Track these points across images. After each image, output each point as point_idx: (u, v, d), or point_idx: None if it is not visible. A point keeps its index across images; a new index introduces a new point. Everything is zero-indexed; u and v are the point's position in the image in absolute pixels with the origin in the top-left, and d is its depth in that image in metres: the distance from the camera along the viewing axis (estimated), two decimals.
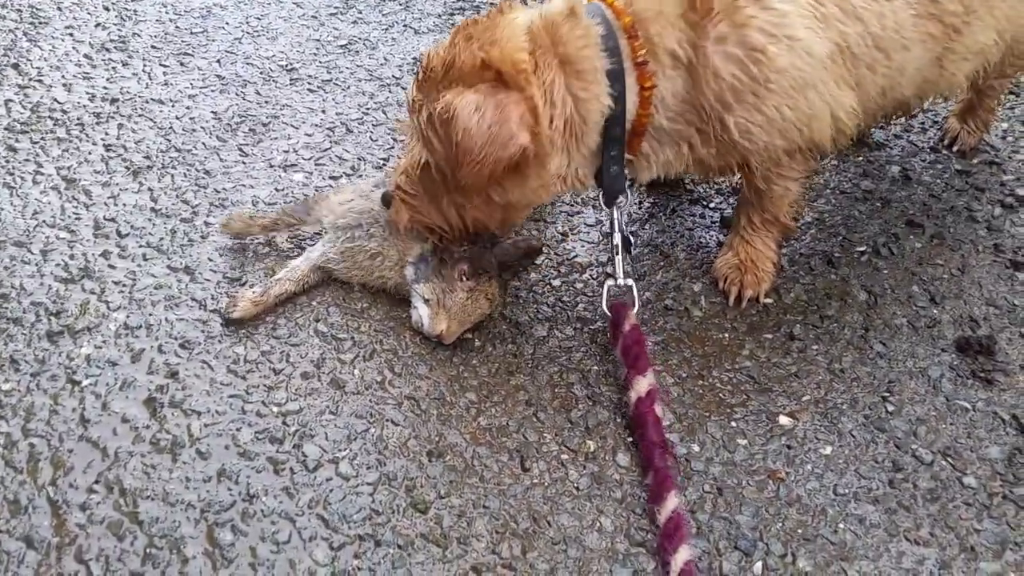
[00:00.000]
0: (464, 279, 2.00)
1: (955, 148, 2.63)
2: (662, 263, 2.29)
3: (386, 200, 2.01)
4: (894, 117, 2.33)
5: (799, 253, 2.31)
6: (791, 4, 1.79)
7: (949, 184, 2.51)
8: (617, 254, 2.01)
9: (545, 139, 1.77)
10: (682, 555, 1.62)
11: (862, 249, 2.33)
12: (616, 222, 2.00)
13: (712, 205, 2.44)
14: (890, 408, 1.95)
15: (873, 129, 2.55)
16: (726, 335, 2.11)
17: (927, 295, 2.21)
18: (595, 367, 2.03)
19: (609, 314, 2.03)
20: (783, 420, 1.93)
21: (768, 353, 2.07)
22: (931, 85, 2.09)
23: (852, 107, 1.92)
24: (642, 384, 1.87)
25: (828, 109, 1.89)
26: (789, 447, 1.87)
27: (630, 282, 2.03)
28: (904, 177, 2.54)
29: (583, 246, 2.33)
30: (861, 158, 2.59)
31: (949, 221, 2.40)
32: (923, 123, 2.71)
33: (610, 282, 2.04)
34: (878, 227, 2.39)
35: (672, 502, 1.69)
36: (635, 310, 2.01)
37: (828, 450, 1.87)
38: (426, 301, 2.01)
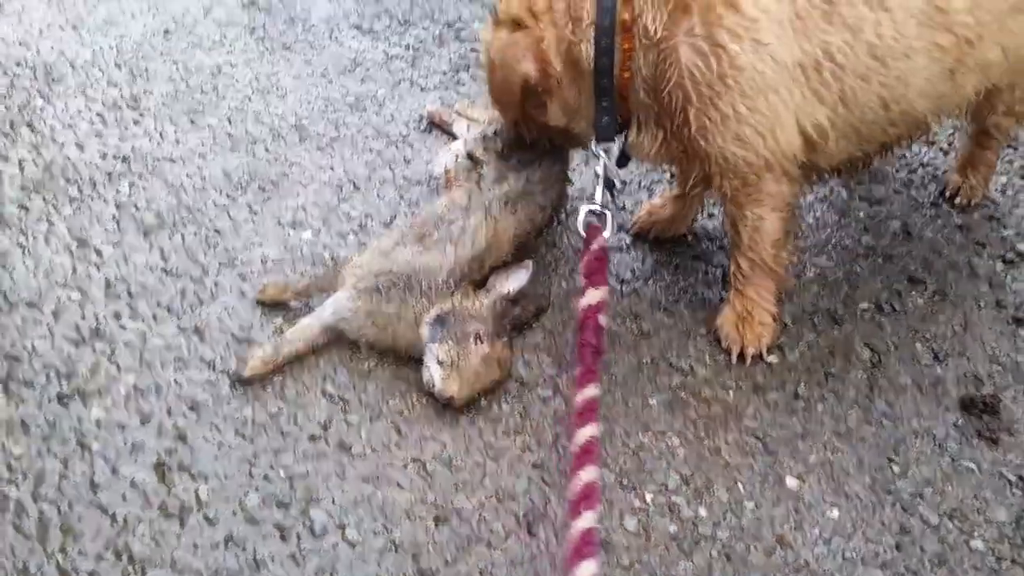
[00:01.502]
0: (479, 343, 2.02)
1: (956, 201, 2.65)
2: (666, 320, 2.31)
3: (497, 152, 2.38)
4: (912, 138, 2.26)
5: (803, 310, 2.33)
6: (764, 12, 1.86)
7: (950, 239, 2.54)
8: (599, 185, 2.18)
9: (553, 71, 2.03)
10: (587, 431, 1.81)
11: (865, 306, 2.34)
12: (604, 162, 2.16)
13: (715, 262, 2.46)
14: (896, 469, 1.96)
15: (893, 154, 2.41)
16: (731, 394, 2.12)
17: (931, 353, 2.22)
18: (600, 428, 2.04)
19: (583, 234, 2.17)
20: (790, 482, 1.93)
21: (774, 413, 2.08)
22: (946, 100, 2.09)
23: (821, 120, 1.96)
24: (594, 295, 2.02)
25: (793, 118, 1.94)
26: (796, 510, 1.87)
27: (606, 210, 2.17)
28: (905, 232, 2.56)
29: None
30: (862, 214, 2.62)
31: (951, 277, 2.42)
32: (923, 178, 2.74)
33: (587, 207, 2.18)
34: (880, 283, 2.41)
35: (591, 391, 1.88)
36: (607, 233, 2.15)
37: (835, 513, 1.87)
38: (440, 363, 2.02)
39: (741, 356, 2.18)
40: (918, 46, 1.94)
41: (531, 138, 2.29)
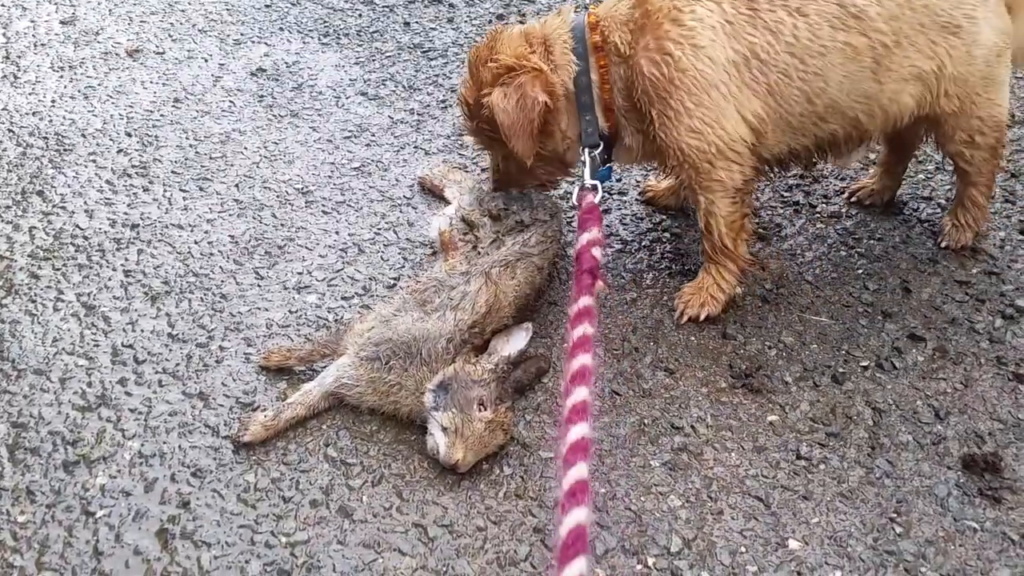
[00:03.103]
0: (483, 409, 2.04)
1: (942, 244, 2.71)
2: (666, 380, 2.32)
3: (497, 187, 2.58)
4: (855, 139, 2.43)
5: (804, 368, 2.34)
6: (699, 21, 2.22)
7: (949, 295, 2.55)
8: (586, 167, 2.39)
9: (557, 95, 2.32)
10: (582, 329, 1.89)
11: (865, 364, 2.35)
12: (589, 160, 2.39)
13: (718, 322, 2.48)
14: (898, 529, 1.95)
15: (842, 153, 2.56)
16: (733, 455, 2.12)
17: (932, 411, 2.22)
18: (601, 490, 2.04)
19: (576, 203, 2.37)
20: (792, 544, 1.93)
21: (776, 473, 2.08)
22: (873, 100, 2.32)
23: (757, 110, 2.26)
24: (584, 236, 2.18)
25: (733, 106, 2.25)
26: (799, 574, 1.86)
27: (596, 182, 2.37)
28: (904, 289, 2.58)
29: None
30: (861, 271, 2.64)
31: (951, 333, 2.43)
32: (921, 234, 2.77)
33: (579, 184, 2.41)
34: (880, 341, 2.42)
35: (584, 300, 1.98)
36: (596, 197, 2.32)
37: None
38: (444, 429, 2.04)
39: (681, 316, 2.48)
40: (830, 45, 2.23)
41: (519, 178, 2.52)
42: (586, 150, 2.40)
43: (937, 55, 2.29)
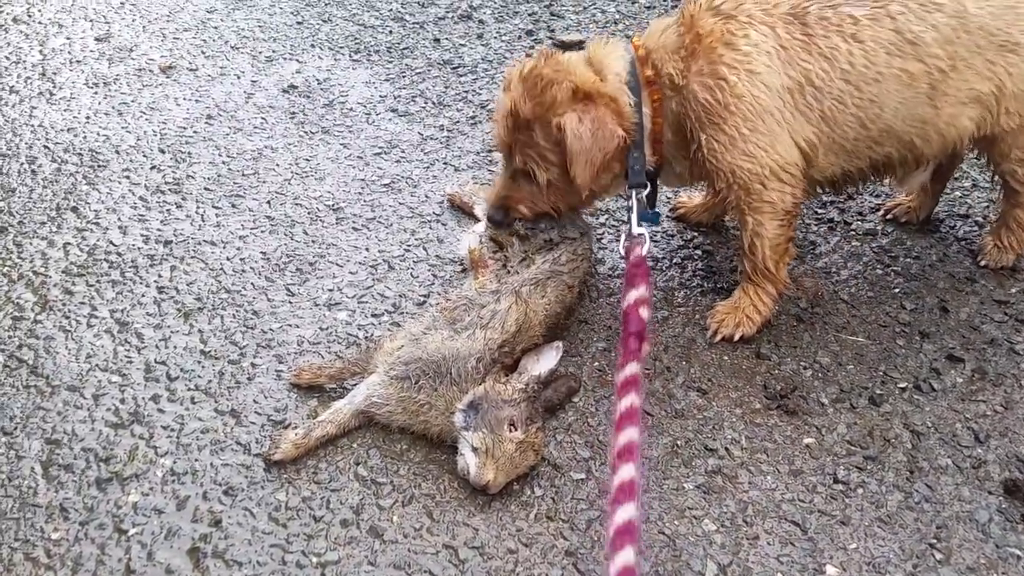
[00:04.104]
0: (513, 429, 2.02)
1: (982, 263, 2.67)
2: (700, 401, 2.29)
3: (493, 219, 2.48)
4: (911, 161, 2.40)
5: (840, 390, 2.30)
6: (754, 47, 2.20)
7: (988, 315, 2.50)
8: (633, 212, 2.37)
9: (629, 129, 2.27)
10: (630, 399, 1.93)
11: (903, 385, 2.31)
12: (635, 198, 2.37)
13: (752, 342, 2.45)
14: (938, 556, 1.91)
15: (896, 175, 2.52)
16: (768, 478, 2.09)
17: (971, 434, 2.18)
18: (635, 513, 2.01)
19: (623, 253, 2.37)
20: (830, 571, 1.89)
21: (812, 497, 2.04)
22: (930, 125, 2.28)
23: (810, 136, 2.25)
24: (632, 295, 2.19)
25: (787, 132, 2.23)
26: None
27: (643, 230, 2.36)
28: (942, 309, 2.53)
29: None
30: (898, 290, 2.60)
31: (990, 354, 2.38)
32: (959, 253, 2.72)
33: (626, 233, 2.40)
34: (918, 361, 2.38)
35: (632, 368, 2.00)
36: (644, 249, 2.32)
37: None
38: (475, 450, 2.02)
39: (714, 334, 2.46)
40: (887, 72, 2.21)
41: (534, 203, 2.45)
42: (633, 191, 2.36)
43: (996, 75, 2.25)
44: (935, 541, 1.94)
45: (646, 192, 2.40)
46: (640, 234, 2.35)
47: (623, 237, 2.40)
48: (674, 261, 2.76)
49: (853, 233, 2.83)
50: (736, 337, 2.44)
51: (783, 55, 2.20)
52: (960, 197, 2.96)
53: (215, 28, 4.24)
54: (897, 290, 2.61)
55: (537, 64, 2.30)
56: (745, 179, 2.27)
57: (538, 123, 2.27)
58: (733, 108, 2.21)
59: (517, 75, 2.31)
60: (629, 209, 2.37)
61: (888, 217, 2.87)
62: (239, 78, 3.81)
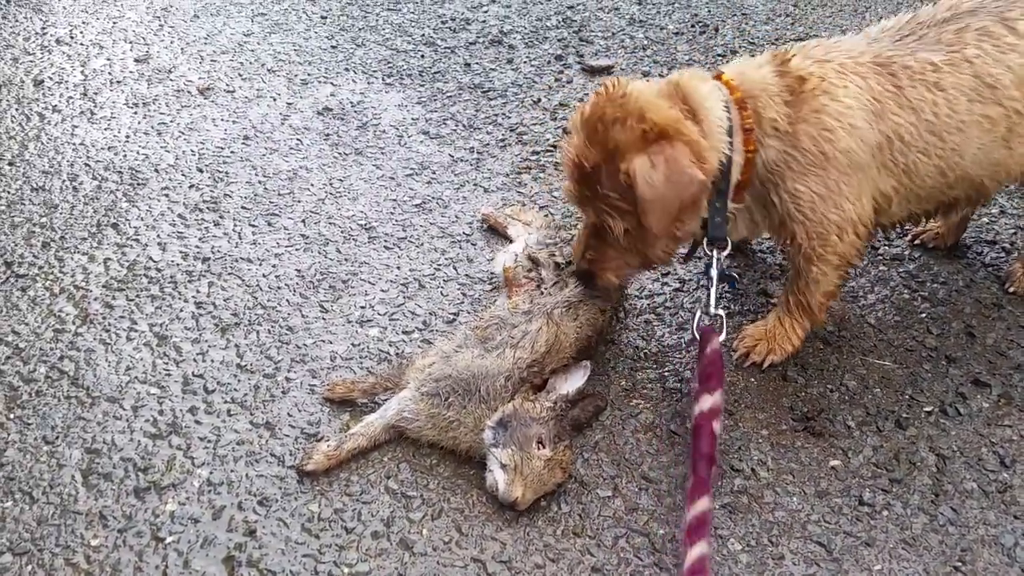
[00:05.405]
0: (542, 447, 2.06)
1: (1010, 289, 2.68)
2: (727, 421, 2.32)
3: (582, 276, 2.32)
4: (972, 203, 2.44)
5: (867, 413, 2.32)
6: (854, 99, 2.14)
7: (1015, 341, 2.51)
8: (711, 287, 2.28)
9: (709, 172, 2.09)
10: (698, 549, 1.82)
11: (929, 409, 2.33)
12: (716, 262, 2.29)
13: (778, 364, 2.47)
14: None
15: (956, 213, 2.58)
16: (795, 499, 2.11)
17: (997, 458, 2.19)
18: (661, 530, 2.04)
19: (698, 337, 2.27)
20: None
21: (838, 518, 2.06)
22: (1002, 166, 2.28)
23: (888, 189, 2.23)
24: (707, 402, 2.08)
25: (871, 189, 2.21)
26: None
27: (720, 312, 2.29)
28: (968, 334, 2.55)
29: (647, 402, 2.38)
30: (924, 314, 2.62)
31: (1016, 379, 2.40)
32: (985, 278, 2.74)
33: (702, 311, 2.31)
34: (945, 386, 2.39)
35: (703, 503, 1.89)
36: (721, 337, 2.24)
37: None
38: (503, 467, 2.06)
39: (743, 358, 2.46)
40: (969, 120, 2.18)
41: (619, 259, 2.28)
42: (714, 253, 2.26)
43: None
44: (960, 564, 1.95)
45: (726, 252, 2.27)
46: (717, 315, 2.25)
47: (696, 315, 2.30)
48: (700, 283, 2.79)
49: (880, 258, 2.86)
50: (765, 364, 2.45)
51: (876, 108, 2.15)
52: (987, 224, 2.97)
53: (252, 51, 4.34)
54: (924, 315, 2.63)
55: (598, 102, 2.10)
56: (826, 231, 2.22)
57: (605, 170, 2.08)
58: (833, 160, 2.14)
59: (579, 118, 2.13)
60: (704, 274, 2.23)
61: (916, 243, 2.89)
62: (275, 100, 3.91)
